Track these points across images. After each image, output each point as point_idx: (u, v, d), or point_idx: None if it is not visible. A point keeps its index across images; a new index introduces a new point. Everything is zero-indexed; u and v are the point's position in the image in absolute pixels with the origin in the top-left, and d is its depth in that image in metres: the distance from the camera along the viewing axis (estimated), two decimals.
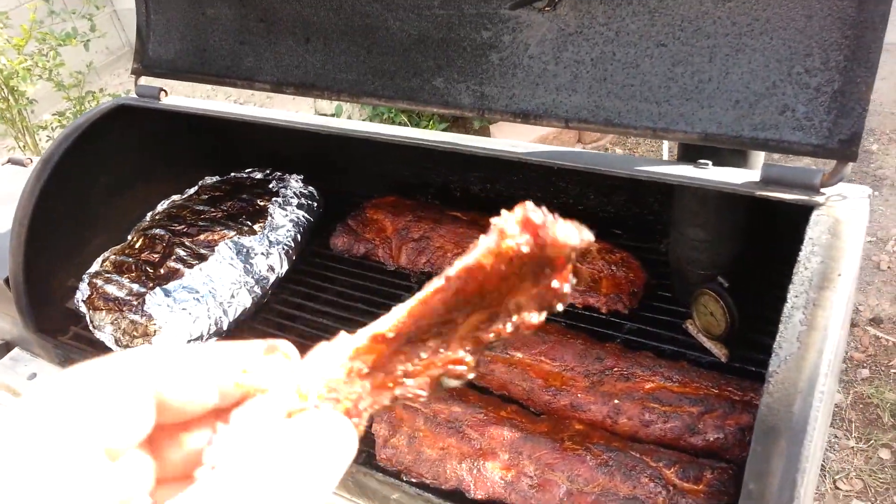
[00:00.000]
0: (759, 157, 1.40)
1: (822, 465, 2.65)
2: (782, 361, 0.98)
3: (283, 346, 0.44)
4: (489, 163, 1.76)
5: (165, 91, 1.89)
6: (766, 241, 1.51)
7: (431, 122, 4.61)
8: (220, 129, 2.11)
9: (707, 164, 1.30)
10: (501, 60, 1.41)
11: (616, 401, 1.36)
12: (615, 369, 1.41)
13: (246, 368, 0.42)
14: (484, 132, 4.69)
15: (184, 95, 2.05)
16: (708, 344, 1.49)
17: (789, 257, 1.09)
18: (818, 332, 0.98)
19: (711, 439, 1.29)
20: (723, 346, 1.47)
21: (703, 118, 1.25)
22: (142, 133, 2.04)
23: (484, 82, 1.44)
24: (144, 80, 1.91)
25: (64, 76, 5.31)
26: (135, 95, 1.92)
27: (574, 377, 1.43)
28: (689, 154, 1.40)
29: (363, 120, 4.59)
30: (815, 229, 1.10)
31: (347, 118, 4.66)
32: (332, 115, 4.51)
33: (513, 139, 4.02)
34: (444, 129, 4.62)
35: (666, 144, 3.75)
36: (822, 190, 1.16)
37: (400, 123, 4.30)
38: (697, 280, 1.51)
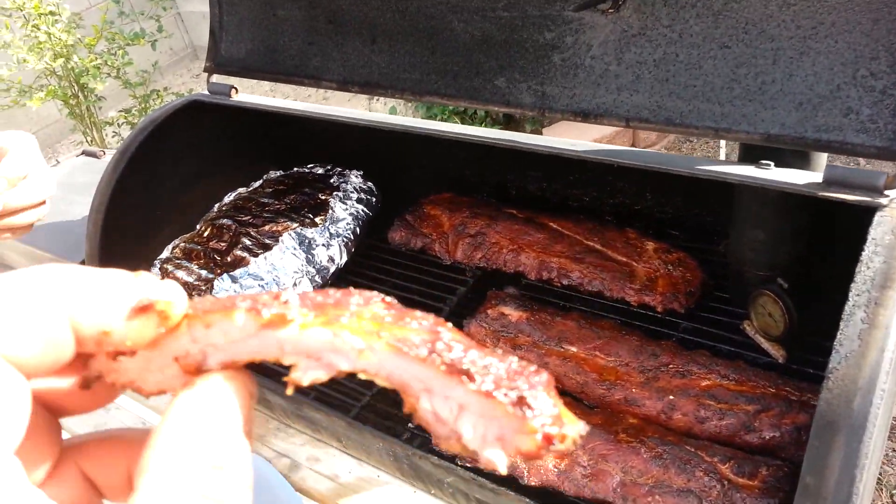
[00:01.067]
0: (821, 160, 1.40)
1: (879, 479, 2.60)
2: (843, 358, 0.99)
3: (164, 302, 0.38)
4: (546, 161, 1.78)
5: (236, 88, 1.97)
6: (825, 242, 1.51)
7: (484, 124, 4.65)
8: (284, 126, 2.19)
9: (769, 165, 1.31)
10: (563, 61, 1.44)
11: (671, 397, 1.38)
12: (671, 366, 1.43)
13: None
14: (536, 134, 4.71)
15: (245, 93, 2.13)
16: (765, 345, 1.49)
17: (849, 259, 1.10)
18: (880, 331, 0.99)
19: (767, 437, 1.30)
20: (780, 348, 1.47)
21: (765, 119, 1.26)
22: (211, 128, 2.13)
23: (545, 82, 1.47)
24: (216, 78, 2.00)
25: (131, 75, 5.52)
26: (206, 92, 2.00)
27: (629, 372, 1.45)
28: (750, 155, 1.41)
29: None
30: (878, 230, 1.10)
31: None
32: None
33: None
34: None
35: (723, 148, 3.71)
36: (885, 192, 1.16)
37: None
38: (756, 281, 1.52)
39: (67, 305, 0.35)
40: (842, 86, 1.19)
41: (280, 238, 1.88)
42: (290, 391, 0.37)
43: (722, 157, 3.79)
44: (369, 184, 2.14)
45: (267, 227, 1.97)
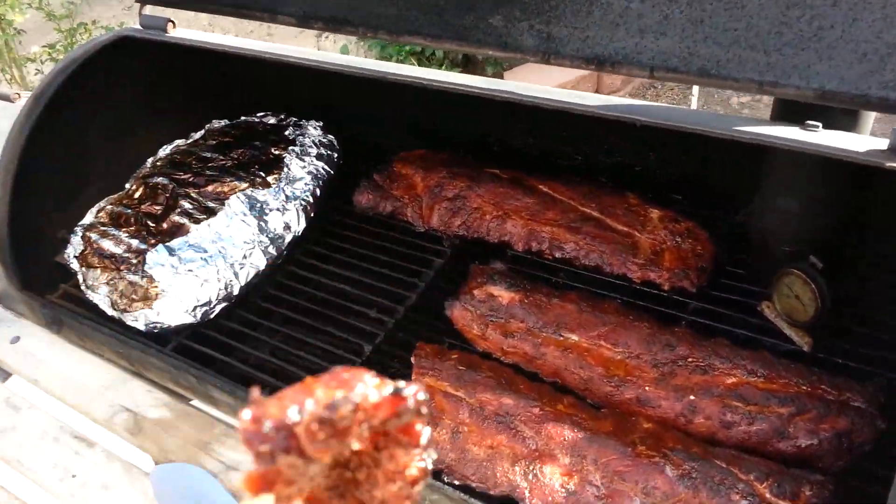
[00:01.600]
0: (869, 120, 1.20)
1: None
2: None
3: None
4: (534, 113, 1.55)
5: (173, 22, 1.66)
6: (864, 215, 1.33)
7: (444, 67, 4.35)
8: (230, 68, 1.88)
9: (817, 127, 1.10)
10: None
11: (691, 397, 1.19)
12: (689, 359, 1.24)
13: None
14: (497, 78, 4.44)
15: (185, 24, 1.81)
16: (788, 331, 1.32)
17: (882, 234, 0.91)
18: None
19: (803, 445, 1.13)
20: (805, 335, 1.30)
21: (821, 72, 1.04)
22: (144, 69, 1.82)
23: (552, 21, 1.22)
24: (150, 10, 1.68)
25: (55, 6, 5.01)
26: (138, 26, 1.69)
27: (640, 366, 1.26)
28: (787, 112, 1.21)
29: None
30: None
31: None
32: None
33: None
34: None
35: (695, 95, 3.50)
36: None
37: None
38: (782, 257, 1.33)
39: None
40: None
41: (227, 201, 1.60)
42: None
43: (694, 105, 3.60)
44: (330, 137, 1.87)
45: (210, 188, 1.69)
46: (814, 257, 1.25)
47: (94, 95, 1.69)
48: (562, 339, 1.33)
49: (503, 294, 1.41)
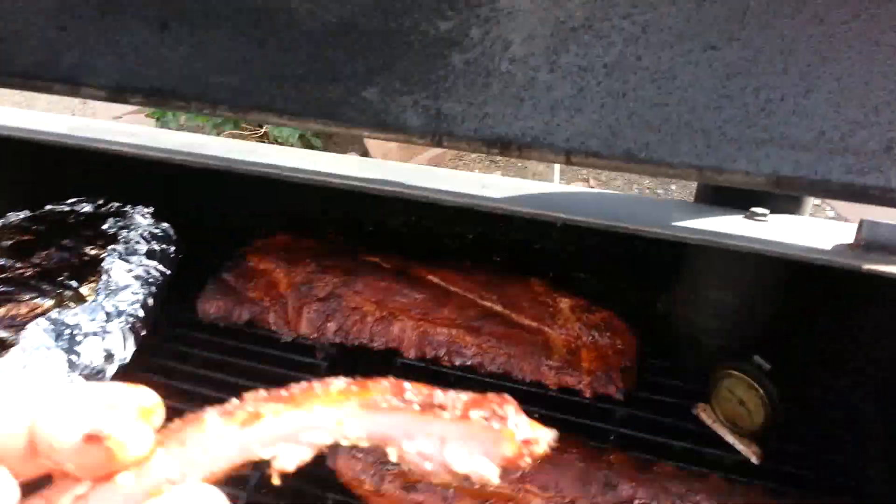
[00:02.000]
0: (809, 203, 1.06)
1: None
2: None
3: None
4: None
5: None
6: (813, 306, 1.19)
7: None
8: (23, 146, 1.49)
9: (765, 216, 0.93)
10: (468, 64, 0.96)
11: None
12: (634, 501, 1.02)
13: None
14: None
15: None
16: (731, 439, 1.14)
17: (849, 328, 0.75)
18: None
19: None
20: (753, 444, 1.12)
21: (772, 154, 0.87)
22: None
23: (441, 96, 0.98)
24: None
25: None
26: None
27: None
28: (717, 196, 1.04)
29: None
30: None
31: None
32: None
33: (385, 147, 3.53)
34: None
35: (557, 168, 3.39)
36: None
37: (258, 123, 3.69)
38: (718, 355, 1.16)
39: (34, 408, 0.36)
40: (881, 107, 0.83)
41: (22, 332, 1.21)
42: (276, 480, 0.37)
43: (556, 175, 3.48)
44: (164, 226, 1.51)
45: (2, 311, 1.29)
46: (759, 358, 1.08)
47: None
48: (478, 487, 1.06)
49: None
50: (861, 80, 0.83)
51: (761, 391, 1.07)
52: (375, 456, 1.11)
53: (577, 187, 1.37)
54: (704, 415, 1.18)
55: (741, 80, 0.87)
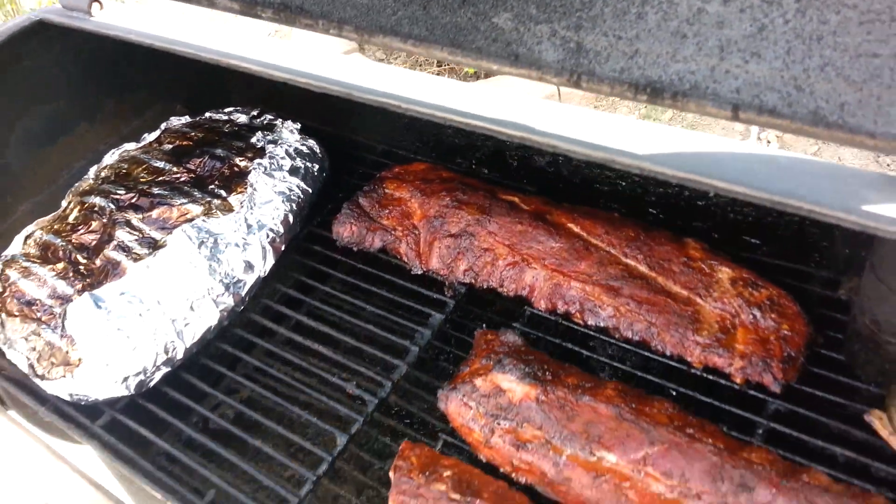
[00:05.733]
0: None
1: None
2: None
3: None
4: None
5: (100, 2, 1.29)
6: None
7: None
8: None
9: None
10: None
11: None
12: None
13: None
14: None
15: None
16: None
17: None
18: None
19: None
20: None
21: None
22: (79, 57, 1.46)
23: (583, 26, 0.83)
24: None
25: None
26: (59, 7, 1.33)
27: None
28: None
29: None
30: None
31: None
32: None
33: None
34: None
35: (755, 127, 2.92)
36: None
37: None
38: None
39: None
40: None
41: (169, 236, 1.26)
42: None
43: (753, 135, 3.00)
44: (310, 142, 1.50)
45: (156, 213, 1.35)
46: None
47: (10, 95, 1.35)
48: (594, 459, 0.97)
49: (514, 387, 1.05)
50: None
51: None
52: (487, 408, 1.04)
53: (747, 147, 1.15)
54: (879, 423, 0.98)
55: None
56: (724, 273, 1.12)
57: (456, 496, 0.97)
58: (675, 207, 1.27)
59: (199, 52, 1.17)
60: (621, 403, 1.01)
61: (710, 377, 1.08)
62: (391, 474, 1.02)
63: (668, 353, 1.10)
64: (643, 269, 1.16)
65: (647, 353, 1.12)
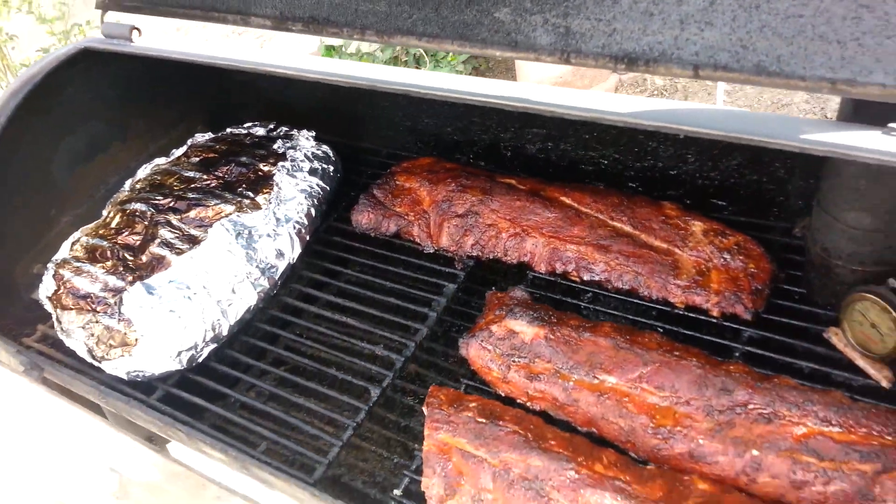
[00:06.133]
0: None
1: None
2: None
3: None
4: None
5: (139, 29, 1.48)
6: None
7: (452, 56, 4.14)
8: (211, 74, 1.70)
9: None
10: None
11: (754, 451, 1.01)
12: (750, 406, 1.05)
13: None
14: (507, 64, 4.22)
15: (160, 28, 1.63)
16: (861, 363, 1.13)
17: None
18: None
19: None
20: (885, 368, 1.10)
21: None
22: (111, 82, 1.64)
23: (570, 13, 1.03)
24: (112, 17, 1.50)
25: (46, 7, 4.83)
26: (101, 36, 1.51)
27: (691, 415, 1.07)
28: (863, 112, 1.01)
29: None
30: None
31: (357, 51, 4.18)
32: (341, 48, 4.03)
33: (538, 72, 3.52)
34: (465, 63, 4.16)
35: (721, 89, 3.24)
36: None
37: (416, 57, 3.84)
38: (852, 279, 1.14)
39: None
40: None
41: (210, 229, 1.43)
42: None
43: (719, 99, 3.32)
44: (324, 148, 1.68)
45: (193, 213, 1.51)
46: (894, 280, 1.05)
47: (56, 117, 1.52)
48: (597, 382, 1.14)
49: (525, 329, 1.22)
50: None
51: (894, 314, 1.04)
52: (503, 349, 1.21)
53: (707, 105, 1.36)
54: (836, 339, 1.16)
55: None
56: (697, 226, 1.31)
57: (482, 420, 1.12)
58: (651, 180, 1.47)
59: (234, 63, 1.35)
60: (617, 336, 1.18)
61: (692, 315, 1.26)
62: (424, 409, 1.18)
63: (654, 298, 1.28)
64: (628, 228, 1.35)
65: (636, 301, 1.30)
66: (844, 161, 1.04)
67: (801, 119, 1.01)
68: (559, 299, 1.36)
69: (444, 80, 1.23)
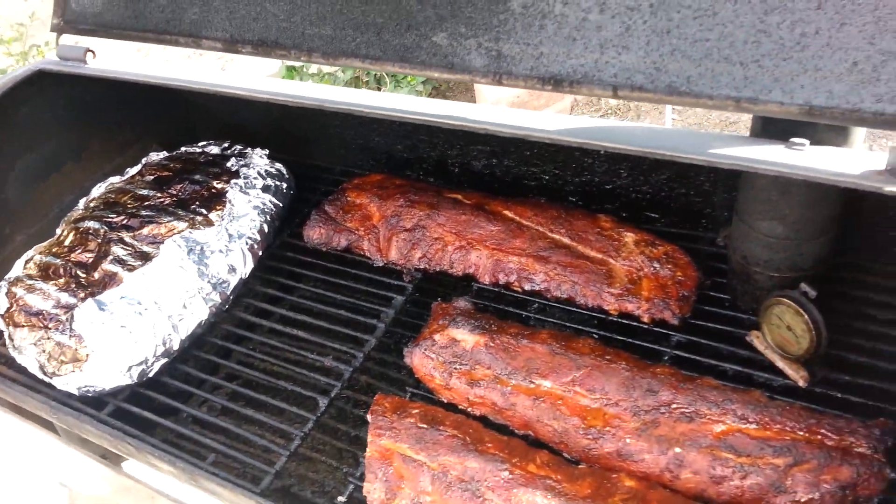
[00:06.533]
0: (861, 131, 1.08)
1: None
2: None
3: None
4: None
5: (93, 52, 1.51)
6: (859, 234, 1.22)
7: (412, 77, 4.21)
8: (167, 95, 1.74)
9: (804, 145, 0.98)
10: (525, 8, 1.07)
11: (677, 449, 1.07)
12: (673, 406, 1.11)
13: None
14: (466, 84, 4.31)
15: (116, 50, 1.67)
16: (781, 364, 1.20)
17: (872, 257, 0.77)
18: None
19: (803, 500, 1.01)
20: (801, 368, 1.18)
21: (806, 85, 0.92)
22: (69, 103, 1.67)
23: (501, 38, 1.10)
24: (67, 39, 1.53)
25: (4, 28, 4.82)
26: (55, 58, 1.54)
27: (620, 415, 1.13)
28: (771, 128, 1.08)
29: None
30: None
31: (319, 72, 4.23)
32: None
33: (494, 92, 3.60)
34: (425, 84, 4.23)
35: (669, 108, 3.35)
36: None
37: (377, 77, 3.90)
38: (769, 285, 1.21)
39: None
40: None
41: (161, 246, 1.46)
42: None
43: (667, 117, 3.44)
44: (278, 165, 1.73)
45: (146, 230, 1.54)
46: (805, 285, 1.13)
47: (11, 136, 1.54)
48: (533, 386, 1.20)
49: (467, 338, 1.28)
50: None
51: (807, 317, 1.12)
52: (445, 357, 1.26)
53: (631, 123, 1.44)
54: (758, 342, 1.23)
55: (777, 15, 0.92)
56: (629, 237, 1.38)
57: (423, 425, 1.17)
58: (589, 194, 1.54)
59: (186, 84, 1.39)
60: (553, 342, 1.24)
61: (625, 321, 1.32)
62: (368, 417, 1.22)
63: (590, 306, 1.34)
64: (566, 240, 1.41)
65: (573, 309, 1.37)
66: (756, 174, 1.12)
67: (716, 134, 1.08)
68: (502, 308, 1.42)
69: (384, 99, 1.29)
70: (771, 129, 1.07)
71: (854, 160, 0.94)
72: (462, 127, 1.14)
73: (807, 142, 0.99)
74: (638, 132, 1.09)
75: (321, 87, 1.50)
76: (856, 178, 0.90)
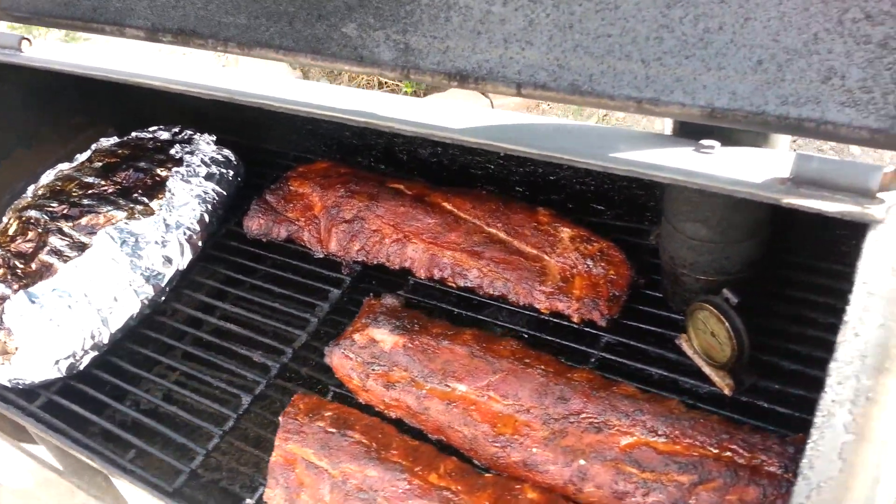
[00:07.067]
0: (783, 136, 1.02)
1: None
2: (814, 489, 0.64)
3: None
4: None
5: (28, 40, 1.49)
6: (785, 237, 1.15)
7: None
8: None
9: (712, 148, 0.92)
10: (431, 0, 1.01)
11: (582, 461, 1.03)
12: (583, 415, 1.07)
13: None
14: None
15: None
16: (707, 370, 1.15)
17: (819, 256, 0.72)
18: (872, 446, 0.63)
19: None
20: (727, 376, 1.12)
21: (708, 85, 0.86)
22: (13, 88, 1.65)
23: (408, 30, 1.04)
24: (3, 27, 1.51)
25: None
26: None
27: (530, 423, 1.10)
28: (688, 129, 1.02)
29: None
30: (872, 264, 0.73)
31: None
32: None
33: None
34: None
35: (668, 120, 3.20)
36: (879, 196, 0.79)
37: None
38: (696, 287, 1.16)
39: None
40: (821, 35, 0.79)
41: (93, 237, 1.44)
42: None
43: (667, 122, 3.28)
44: (225, 152, 1.70)
45: (85, 220, 1.53)
46: (728, 291, 1.07)
47: None
48: (448, 390, 1.16)
49: (386, 338, 1.24)
50: (801, 7, 0.79)
51: (727, 324, 1.06)
52: (364, 358, 1.23)
53: (547, 119, 1.37)
54: (686, 345, 1.18)
55: (680, 9, 0.86)
56: (566, 233, 1.33)
57: (332, 430, 1.14)
58: (535, 184, 1.48)
59: (124, 76, 1.37)
60: (474, 344, 1.20)
61: (556, 320, 1.28)
62: (280, 419, 1.20)
63: (521, 304, 1.30)
64: (502, 235, 1.37)
65: (506, 306, 1.32)
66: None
67: (628, 133, 1.02)
68: (434, 305, 1.38)
69: (293, 90, 1.25)
70: (687, 127, 1.01)
71: (760, 166, 0.88)
72: (368, 124, 1.09)
73: (717, 144, 0.93)
74: (542, 131, 1.04)
75: (256, 79, 1.46)
76: (753, 188, 0.84)
